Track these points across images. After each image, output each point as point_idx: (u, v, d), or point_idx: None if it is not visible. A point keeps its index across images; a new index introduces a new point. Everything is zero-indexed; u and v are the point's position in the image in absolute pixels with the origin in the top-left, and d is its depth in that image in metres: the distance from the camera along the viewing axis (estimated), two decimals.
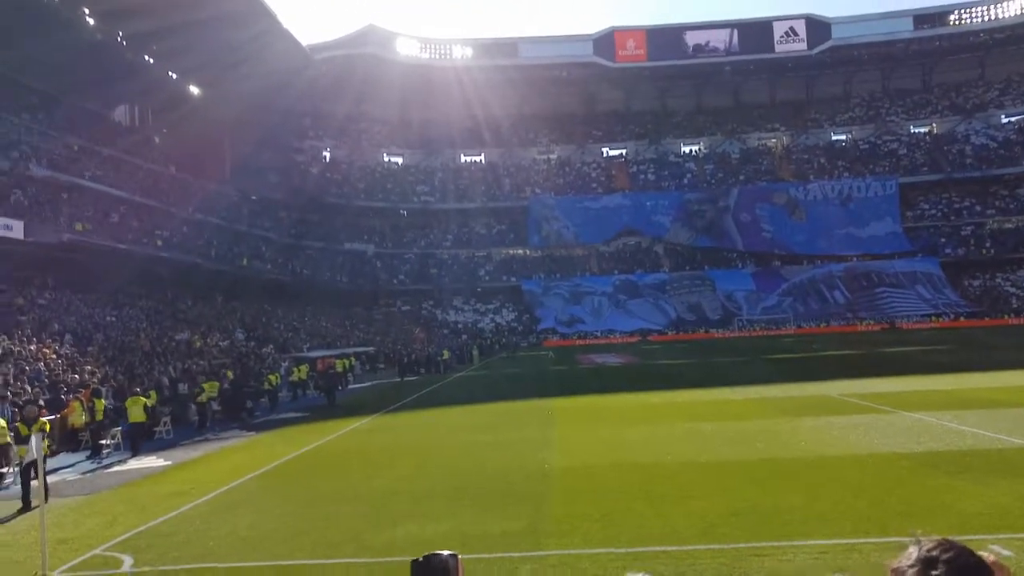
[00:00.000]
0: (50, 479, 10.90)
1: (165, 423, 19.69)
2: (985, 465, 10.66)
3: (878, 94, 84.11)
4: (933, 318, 63.11)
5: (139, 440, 17.44)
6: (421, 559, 1.82)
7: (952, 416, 14.95)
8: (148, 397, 19.25)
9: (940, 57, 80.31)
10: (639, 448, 13.59)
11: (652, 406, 20.02)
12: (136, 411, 17.38)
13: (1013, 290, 66.63)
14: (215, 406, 22.33)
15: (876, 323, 63.19)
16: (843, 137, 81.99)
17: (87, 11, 43.61)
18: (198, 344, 32.94)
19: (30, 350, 23.03)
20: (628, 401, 21.53)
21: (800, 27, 77.87)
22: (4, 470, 14.19)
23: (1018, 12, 72.91)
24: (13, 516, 11.04)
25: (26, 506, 11.27)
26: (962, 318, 62.34)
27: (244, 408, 23.45)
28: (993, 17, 74.01)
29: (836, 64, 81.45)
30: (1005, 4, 73.33)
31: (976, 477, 9.92)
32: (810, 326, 64.24)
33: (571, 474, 11.56)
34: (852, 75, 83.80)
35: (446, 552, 1.81)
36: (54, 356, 23.44)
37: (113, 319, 32.12)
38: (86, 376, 22.20)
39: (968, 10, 74.97)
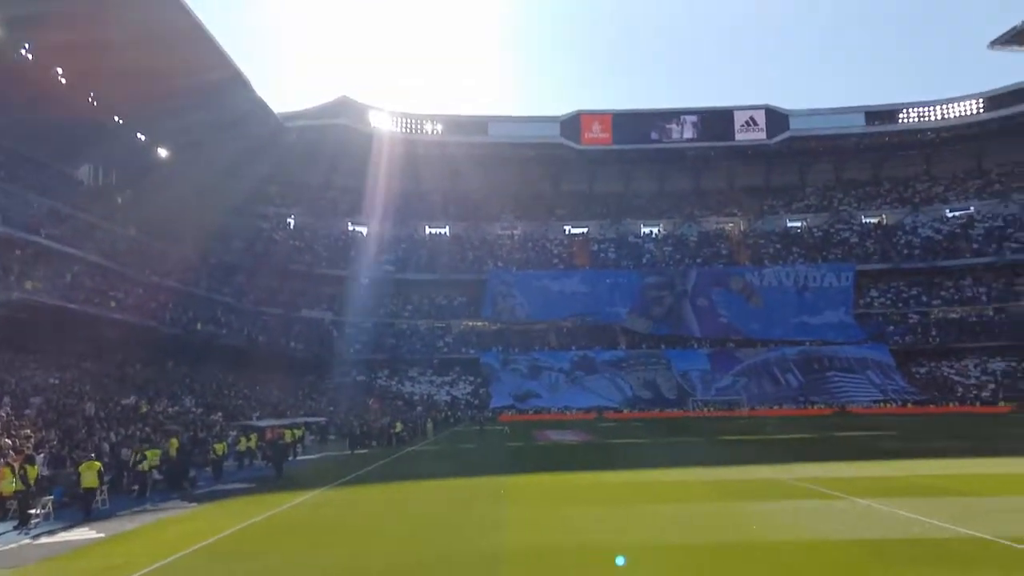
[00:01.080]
0: None
1: (102, 492, 18.86)
2: (933, 555, 10.76)
3: (832, 184, 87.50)
4: (882, 403, 64.18)
5: (89, 505, 17.33)
6: None
7: (901, 503, 15.09)
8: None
9: (890, 152, 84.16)
10: (594, 530, 13.42)
11: (607, 486, 19.84)
12: (89, 476, 17.29)
13: (958, 378, 68.34)
14: (156, 475, 21.52)
15: (828, 407, 64.02)
16: (798, 224, 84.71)
17: (60, 71, 43.66)
18: (144, 409, 31.94)
19: None
20: (583, 480, 21.33)
21: (760, 117, 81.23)
22: None
23: (963, 113, 77.16)
24: None
25: None
26: (909, 404, 63.53)
27: (186, 477, 22.62)
28: (940, 117, 78.12)
29: (793, 154, 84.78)
30: (951, 105, 77.61)
31: (924, 568, 9.99)
32: (763, 408, 64.79)
33: (525, 556, 11.33)
34: (808, 165, 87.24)
35: None
36: None
37: (56, 381, 31.07)
38: (19, 441, 21.28)
39: (916, 109, 79.09)
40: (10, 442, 20.72)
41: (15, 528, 15.56)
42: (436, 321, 76.47)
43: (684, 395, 67.66)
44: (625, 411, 64.96)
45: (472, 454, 32.12)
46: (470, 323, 76.68)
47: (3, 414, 23.54)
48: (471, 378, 70.79)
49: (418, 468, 27.05)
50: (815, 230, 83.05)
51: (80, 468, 17.64)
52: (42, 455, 20.28)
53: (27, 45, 40.73)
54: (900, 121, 79.57)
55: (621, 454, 29.62)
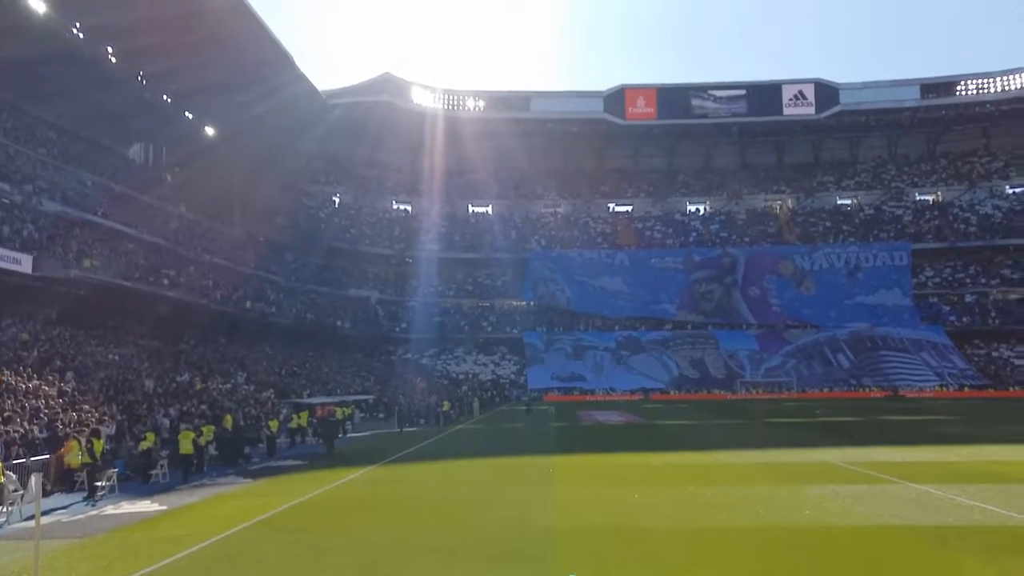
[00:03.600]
0: (44, 520, 10.67)
1: (162, 466, 19.47)
2: (994, 542, 10.48)
3: (884, 160, 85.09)
4: (938, 387, 62.56)
5: (187, 471, 19.26)
6: None
7: (959, 490, 14.73)
8: (199, 433, 20.85)
9: (946, 126, 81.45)
10: (640, 512, 13.39)
11: (654, 468, 19.78)
12: (185, 444, 19.46)
13: (1018, 361, 66.20)
14: (212, 450, 22.10)
15: (880, 390, 62.68)
16: (848, 201, 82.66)
17: (111, 50, 44.59)
18: (199, 386, 32.78)
19: (30, 386, 22.93)
20: (629, 461, 21.29)
21: (809, 91, 79.19)
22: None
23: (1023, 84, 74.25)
24: None
25: None
26: (967, 388, 61.81)
27: (241, 453, 23.21)
28: (999, 89, 75.23)
29: (843, 129, 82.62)
30: (1011, 77, 74.64)
31: (985, 555, 9.74)
32: (813, 391, 63.75)
33: (571, 537, 11.36)
34: (859, 140, 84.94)
35: None
36: (54, 393, 23.32)
37: (116, 358, 32.04)
38: (84, 415, 22.04)
39: (975, 80, 76.22)
40: (76, 416, 21.45)
41: (83, 500, 16.18)
42: (480, 300, 76.75)
43: (732, 375, 66.87)
44: (672, 392, 64.57)
45: (518, 434, 32.31)
46: (513, 302, 76.74)
47: (68, 389, 24.35)
48: (515, 357, 71.02)
49: (466, 446, 27.32)
50: (866, 208, 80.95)
51: (179, 436, 19.92)
52: (107, 429, 20.93)
53: (78, 24, 41.63)
54: (957, 93, 76.87)
55: (668, 435, 29.48)
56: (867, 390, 63.23)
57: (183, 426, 22.95)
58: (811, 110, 79.10)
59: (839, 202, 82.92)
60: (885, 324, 69.98)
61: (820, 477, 17.05)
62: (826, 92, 78.73)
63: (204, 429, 21.49)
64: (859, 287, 73.24)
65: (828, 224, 79.98)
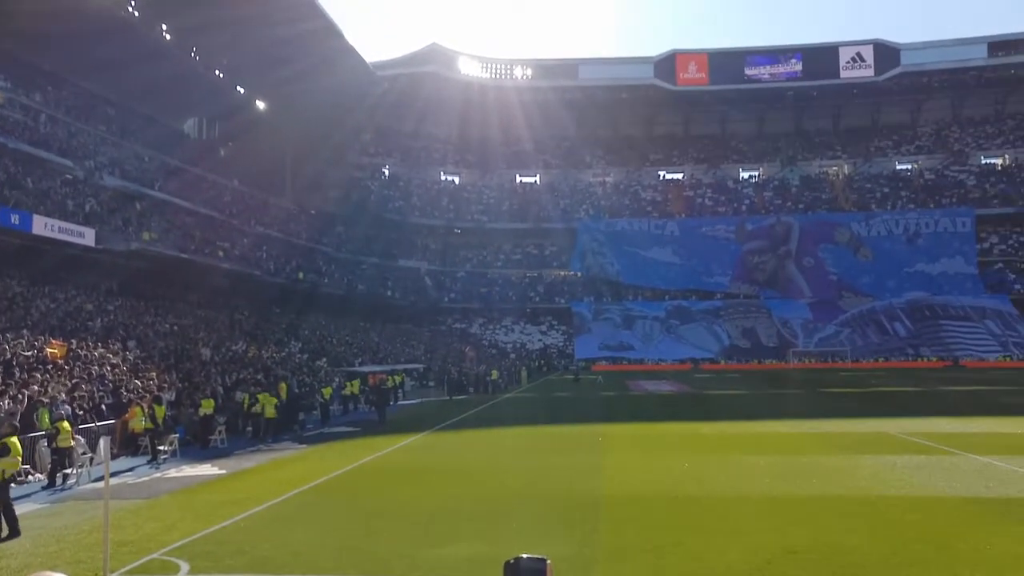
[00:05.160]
0: (111, 481, 11.16)
1: (220, 432, 20.08)
2: None
3: (947, 122, 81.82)
4: (1002, 357, 60.50)
5: (268, 432, 21.02)
6: (512, 561, 1.83)
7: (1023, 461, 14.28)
8: (276, 395, 22.74)
9: (1015, 85, 77.74)
10: (690, 480, 13.33)
11: (703, 437, 19.64)
12: (269, 408, 21.18)
13: None
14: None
15: (939, 359, 60.93)
16: (908, 167, 79.89)
17: (164, 27, 45.38)
18: (252, 354, 33.62)
19: (95, 355, 23.81)
20: (679, 430, 21.17)
21: (868, 53, 76.34)
22: (68, 471, 14.66)
23: None
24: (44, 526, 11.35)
25: (13, 531, 9.96)
26: None
27: (297, 420, 23.79)
28: None
29: (904, 91, 79.60)
30: None
31: None
32: (868, 360, 62.29)
33: (620, 503, 11.38)
34: (921, 103, 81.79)
35: (538, 556, 1.83)
36: (118, 361, 24.18)
37: (175, 327, 33.02)
38: (146, 382, 22.82)
39: None
40: (139, 383, 22.23)
41: (147, 463, 16.82)
42: (528, 270, 76.72)
43: (785, 344, 65.72)
44: (722, 362, 63.85)
45: (566, 403, 32.40)
46: (562, 272, 76.50)
47: (130, 357, 25.22)
48: (563, 327, 70.99)
49: (515, 415, 27.54)
50: (927, 172, 78.12)
51: (261, 400, 21.47)
52: (169, 396, 21.65)
53: (133, 2, 42.41)
54: None
55: (718, 405, 29.23)
56: (925, 360, 61.52)
57: (254, 388, 23.74)
58: (870, 72, 76.29)
59: (898, 167, 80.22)
60: (946, 293, 67.74)
61: (876, 447, 16.71)
62: (886, 53, 75.78)
63: (260, 397, 22.07)
64: (919, 255, 70.94)
65: (886, 190, 77.48)
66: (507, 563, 1.84)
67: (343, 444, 20.00)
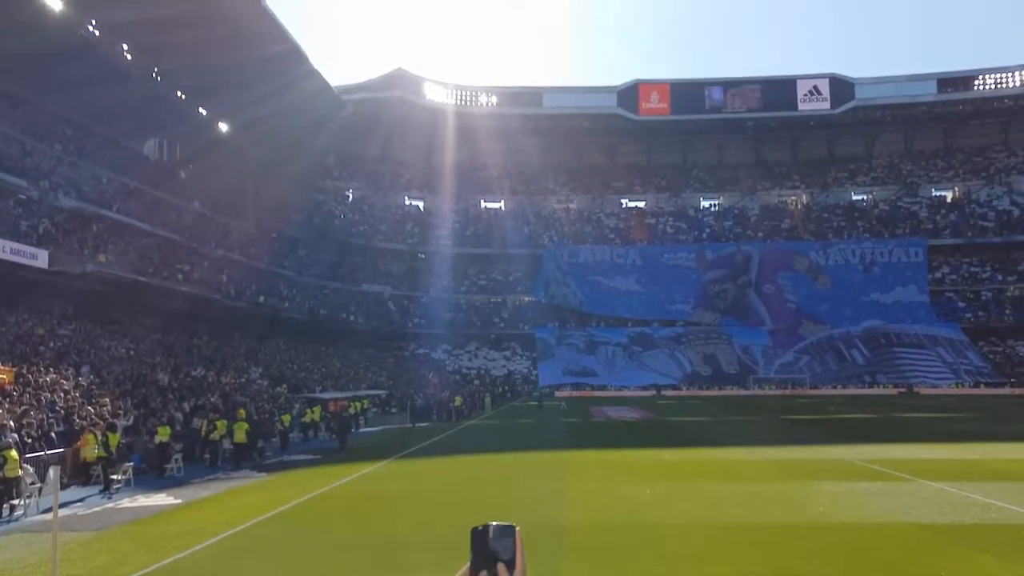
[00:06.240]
0: (60, 513, 10.74)
1: (177, 460, 19.61)
2: (1013, 540, 10.39)
3: (900, 156, 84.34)
4: (954, 384, 61.98)
5: (241, 457, 21.20)
6: (480, 527, 1.82)
7: (975, 487, 14.60)
8: (245, 420, 22.58)
9: (963, 121, 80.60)
10: (653, 507, 13.38)
11: (666, 464, 19.74)
12: (240, 434, 21.35)
13: None
14: (227, 444, 22.23)
15: (895, 386, 62.20)
16: (863, 197, 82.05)
17: (126, 47, 44.85)
18: (212, 380, 32.97)
19: (46, 380, 23.14)
20: (641, 457, 21.26)
21: (824, 86, 78.55)
22: (16, 502, 14.16)
23: None
24: None
25: None
26: (982, 385, 61.22)
27: (255, 448, 23.34)
28: (1019, 83, 74.20)
29: (858, 124, 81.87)
30: None
31: (1002, 553, 9.65)
32: (826, 387, 63.34)
33: (583, 531, 11.38)
34: (874, 136, 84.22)
35: (507, 523, 1.82)
36: (70, 387, 23.52)
37: (131, 352, 32.27)
38: (100, 408, 22.21)
39: (993, 75, 75.33)
40: (92, 410, 21.63)
41: (99, 493, 16.32)
42: (492, 296, 76.75)
43: (745, 370, 66.55)
44: (684, 388, 64.35)
45: (530, 429, 32.32)
46: (525, 298, 76.66)
47: (84, 383, 24.56)
48: (527, 353, 70.99)
49: (478, 442, 27.37)
50: (882, 203, 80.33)
51: (234, 427, 21.54)
52: (125, 422, 21.07)
53: (93, 22, 41.88)
54: (975, 88, 75.94)
55: (680, 432, 29.41)
56: (882, 387, 62.76)
57: (212, 415, 23.33)
58: (826, 105, 78.48)
59: (854, 198, 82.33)
60: (900, 321, 69.36)
61: (834, 474, 16.96)
62: (841, 87, 78.09)
63: (219, 423, 21.61)
64: (874, 283, 72.64)
65: (843, 220, 79.42)
66: (475, 529, 1.83)
67: (303, 472, 19.67)
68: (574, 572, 9.02)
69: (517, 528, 1.83)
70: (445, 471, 19.68)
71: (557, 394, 61.29)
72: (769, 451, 21.97)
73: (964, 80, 76.39)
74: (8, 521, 13.44)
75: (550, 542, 10.54)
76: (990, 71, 75.66)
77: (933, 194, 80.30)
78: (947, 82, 76.73)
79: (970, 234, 73.55)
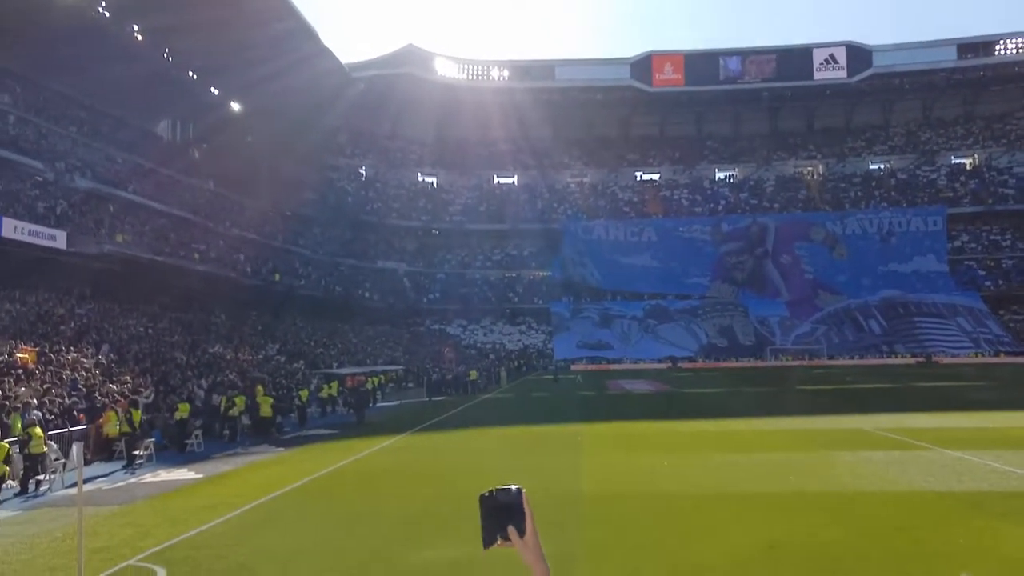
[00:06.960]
0: (85, 488, 10.95)
1: (197, 436, 19.86)
2: None
3: (918, 123, 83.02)
4: (973, 353, 61.44)
5: (261, 433, 21.84)
6: (487, 493, 1.86)
7: (995, 456, 14.50)
8: (269, 395, 23.42)
9: (984, 87, 79.08)
10: (669, 478, 13.40)
11: (682, 435, 19.75)
12: (265, 408, 22.39)
13: None
14: (245, 420, 22.49)
15: (913, 356, 61.77)
16: (880, 166, 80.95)
17: (136, 28, 44.81)
18: (229, 357, 33.28)
19: (68, 359, 23.44)
20: (657, 429, 21.28)
21: (840, 54, 77.24)
22: (41, 477, 14.42)
23: None
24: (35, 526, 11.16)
25: None
26: (1002, 354, 60.64)
27: (274, 423, 23.58)
28: None
29: (876, 92, 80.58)
30: None
31: (1021, 520, 9.60)
32: (844, 357, 62.99)
33: (600, 502, 11.42)
34: (892, 104, 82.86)
35: (513, 487, 1.84)
36: (91, 365, 23.82)
37: (150, 331, 32.60)
38: (121, 386, 22.49)
39: (1014, 40, 73.75)
40: (113, 387, 21.91)
41: (122, 468, 16.58)
42: (507, 271, 76.71)
43: (762, 342, 66.28)
44: (700, 360, 64.24)
45: (546, 402, 32.42)
46: (540, 273, 76.55)
47: (104, 361, 24.86)
48: (543, 327, 71.05)
49: (495, 415, 27.51)
50: (899, 172, 79.22)
51: (259, 400, 22.54)
52: (145, 399, 21.32)
53: (103, 3, 41.85)
54: (996, 53, 74.39)
55: (697, 404, 29.39)
56: (900, 356, 62.36)
57: (231, 392, 23.60)
58: (843, 74, 77.22)
59: (871, 167, 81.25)
60: (919, 291, 68.70)
61: (852, 443, 16.91)
62: (858, 55, 76.76)
63: (237, 399, 21.84)
64: (893, 253, 71.88)
65: (860, 190, 78.48)
66: (482, 495, 1.86)
67: (320, 447, 19.86)
68: (592, 541, 9.07)
69: (523, 490, 1.85)
70: (462, 444, 19.80)
71: (573, 367, 61.35)
72: (786, 421, 21.94)
73: (985, 45, 74.87)
74: (34, 496, 13.69)
75: (567, 512, 10.60)
76: (1012, 35, 74.06)
77: (952, 162, 79.05)
78: (967, 48, 75.20)
79: (990, 201, 72.52)
